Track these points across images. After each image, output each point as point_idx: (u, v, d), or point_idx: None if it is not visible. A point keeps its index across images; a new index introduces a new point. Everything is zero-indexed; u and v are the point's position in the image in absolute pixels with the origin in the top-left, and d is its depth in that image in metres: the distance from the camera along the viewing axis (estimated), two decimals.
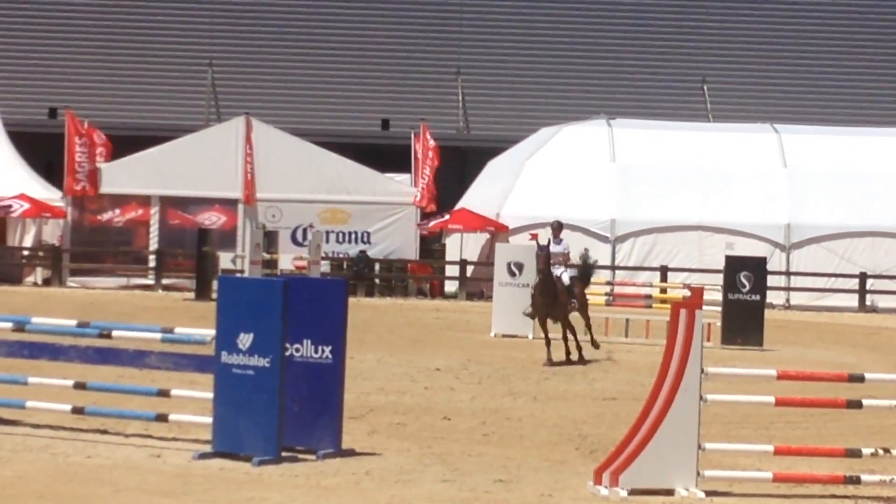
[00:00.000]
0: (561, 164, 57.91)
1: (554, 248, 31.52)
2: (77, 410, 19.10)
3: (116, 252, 57.51)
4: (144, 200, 56.75)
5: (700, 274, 51.91)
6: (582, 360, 31.26)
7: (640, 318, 37.71)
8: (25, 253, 57.08)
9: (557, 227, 32.47)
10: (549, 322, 31.39)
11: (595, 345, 32.38)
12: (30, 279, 55.48)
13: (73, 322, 19.79)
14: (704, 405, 15.91)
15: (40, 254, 56.92)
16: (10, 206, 55.44)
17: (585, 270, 35.04)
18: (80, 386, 19.28)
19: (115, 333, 19.14)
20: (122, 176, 56.88)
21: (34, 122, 66.76)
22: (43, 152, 60.55)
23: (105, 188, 56.82)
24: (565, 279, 31.64)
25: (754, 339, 36.42)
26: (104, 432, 18.92)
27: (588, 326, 32.62)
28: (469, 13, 75.16)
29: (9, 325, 19.68)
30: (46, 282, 55.24)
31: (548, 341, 30.88)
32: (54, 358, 19.81)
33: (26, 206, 55.54)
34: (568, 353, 31.41)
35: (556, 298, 31.16)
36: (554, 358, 30.76)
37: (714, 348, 33.91)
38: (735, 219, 55.97)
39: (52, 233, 57.15)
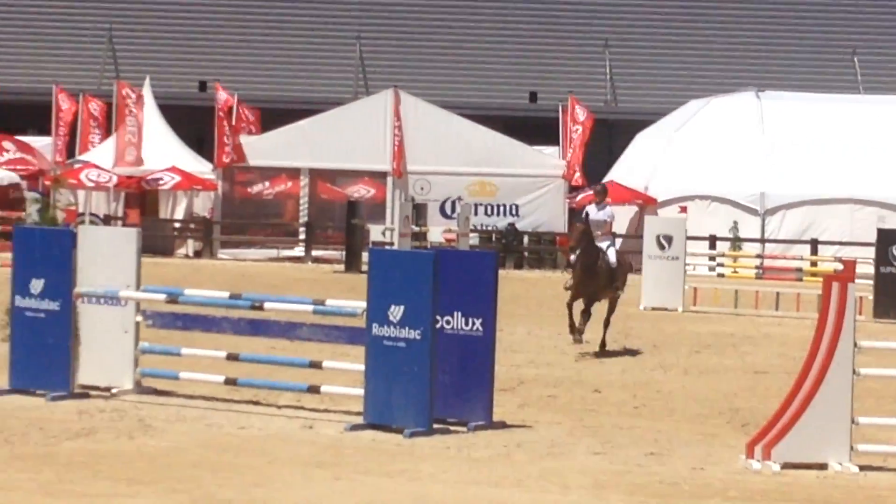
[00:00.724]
0: (710, 137, 57.55)
1: (595, 216, 27.32)
2: (230, 382, 19.26)
3: (266, 224, 57.90)
4: (294, 173, 57.01)
5: (851, 247, 51.34)
6: (601, 349, 26.67)
7: (790, 292, 37.40)
8: (177, 225, 57.65)
9: (601, 191, 28.68)
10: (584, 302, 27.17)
11: (603, 345, 26.70)
12: (181, 251, 55.98)
13: (226, 294, 19.97)
14: (858, 379, 15.77)
15: (191, 226, 57.47)
16: (161, 179, 55.97)
17: None
18: (232, 357, 19.42)
19: (266, 305, 19.27)
20: (272, 149, 57.18)
21: (185, 94, 67.35)
22: (194, 125, 61.08)
23: (255, 161, 57.14)
24: (611, 256, 27.06)
25: None
26: (257, 403, 19.07)
27: (608, 317, 27.50)
28: None
29: (162, 296, 19.85)
30: (197, 254, 55.74)
31: (571, 324, 26.56)
32: (207, 329, 20.00)
33: (177, 178, 56.03)
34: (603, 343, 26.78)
35: (597, 277, 26.66)
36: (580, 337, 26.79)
37: (866, 322, 33.50)
38: (887, 192, 55.23)
39: (203, 205, 57.65)
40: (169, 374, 19.65)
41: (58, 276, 19.31)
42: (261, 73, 71.26)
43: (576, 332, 26.48)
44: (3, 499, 13.28)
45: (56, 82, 61.17)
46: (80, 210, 52.26)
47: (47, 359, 19.26)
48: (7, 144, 59.55)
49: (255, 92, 65.05)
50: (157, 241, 52.80)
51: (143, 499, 13.50)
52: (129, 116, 56.96)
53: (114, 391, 19.29)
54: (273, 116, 59.98)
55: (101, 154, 56.73)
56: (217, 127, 57.00)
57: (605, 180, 55.76)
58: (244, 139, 57.62)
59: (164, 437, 16.85)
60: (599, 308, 27.68)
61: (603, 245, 27.01)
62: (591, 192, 55.96)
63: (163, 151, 56.89)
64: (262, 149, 57.37)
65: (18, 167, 58.33)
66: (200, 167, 57.50)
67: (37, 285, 19.45)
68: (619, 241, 33.19)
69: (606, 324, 27.08)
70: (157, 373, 19.80)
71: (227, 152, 56.70)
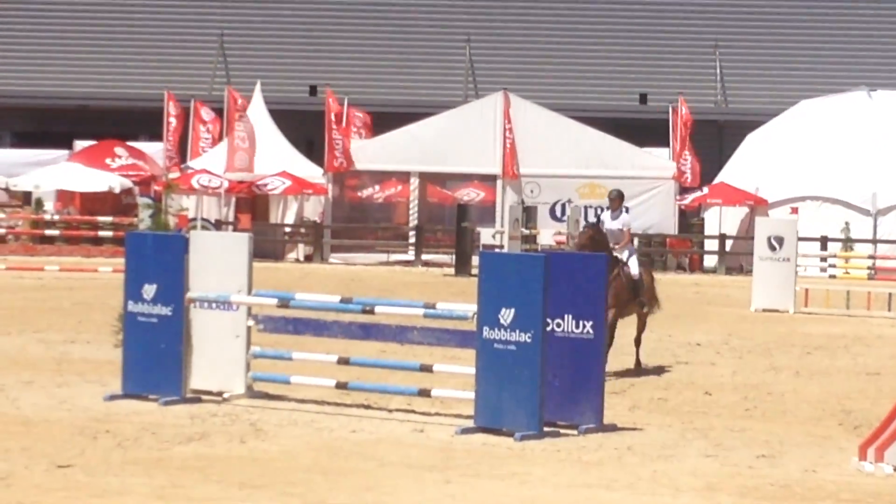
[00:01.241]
0: (821, 137, 57.23)
1: (610, 225, 24.79)
2: (341, 385, 19.34)
3: (376, 228, 58.07)
4: (403, 177, 57.17)
5: None
6: (637, 367, 24.21)
7: None
8: (287, 230, 57.90)
9: (616, 198, 25.43)
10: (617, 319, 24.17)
11: (638, 364, 24.24)
12: (291, 255, 56.24)
13: (336, 298, 20.02)
14: None
15: (302, 230, 57.71)
16: (271, 184, 56.23)
17: None
18: (343, 361, 19.51)
19: (377, 309, 19.32)
20: (382, 153, 57.38)
21: (296, 99, 67.61)
22: (304, 130, 61.34)
23: (364, 165, 57.38)
24: (633, 268, 24.30)
25: None
26: (368, 407, 19.12)
27: (638, 335, 24.78)
28: None
29: (273, 301, 19.95)
30: (308, 258, 55.97)
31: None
32: (318, 333, 20.09)
33: (288, 183, 56.29)
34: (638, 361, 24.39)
35: (617, 291, 23.05)
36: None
37: None
38: None
39: (314, 209, 57.87)
40: (280, 378, 19.75)
41: (170, 282, 19.46)
42: (371, 78, 71.41)
43: None
44: (118, 502, 13.39)
45: (167, 89, 61.57)
46: (192, 215, 52.56)
47: (159, 363, 19.41)
48: (119, 150, 60.07)
49: (365, 96, 65.23)
50: (267, 246, 53.03)
51: (254, 503, 13.58)
52: (240, 122, 57.25)
53: (225, 395, 19.42)
54: (383, 120, 60.17)
55: (212, 159, 57.01)
56: (327, 131, 57.28)
57: (715, 181, 55.89)
58: (354, 143, 57.85)
59: (276, 441, 16.94)
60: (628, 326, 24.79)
61: (623, 256, 24.28)
62: (706, 192, 56.11)
63: (273, 156, 57.13)
64: (371, 153, 57.58)
65: (130, 173, 58.80)
66: (311, 171, 57.73)
67: (149, 290, 19.61)
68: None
69: (637, 343, 24.51)
70: (268, 377, 19.91)
71: (337, 157, 56.94)
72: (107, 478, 14.58)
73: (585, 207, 55.24)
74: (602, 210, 55.16)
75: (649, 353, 26.11)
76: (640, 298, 24.21)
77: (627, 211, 26.65)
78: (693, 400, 20.82)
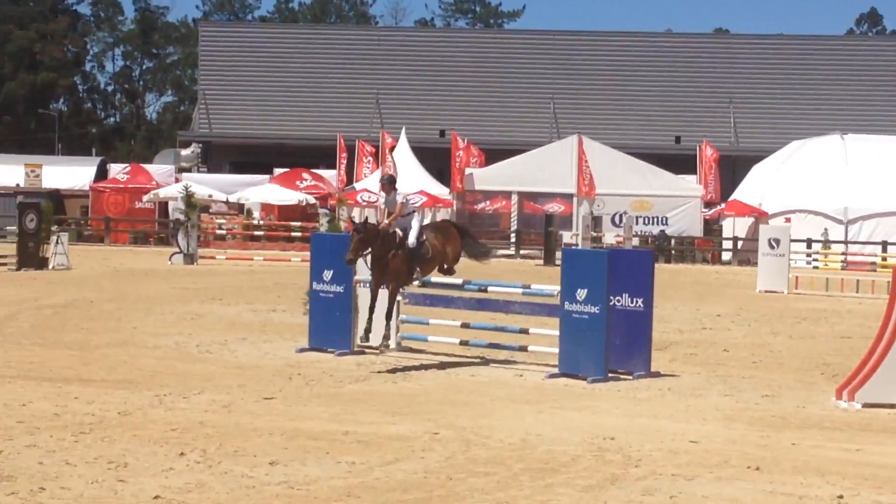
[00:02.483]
0: (807, 167, 56.76)
1: (385, 205, 18.97)
2: (463, 343, 19.37)
3: (487, 231, 58.02)
4: (506, 195, 57.23)
5: None
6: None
7: (867, 279, 36.62)
8: None
9: (386, 183, 19.15)
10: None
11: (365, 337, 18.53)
12: None
13: (460, 280, 20.03)
14: None
15: None
16: (412, 199, 56.43)
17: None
18: (465, 325, 19.53)
19: (489, 289, 19.36)
20: (491, 178, 57.53)
21: (429, 139, 67.76)
22: (436, 161, 61.43)
23: (479, 186, 57.58)
24: (410, 237, 18.51)
25: None
26: (482, 359, 19.14)
27: (390, 303, 18.68)
28: (739, 53, 74.20)
29: (414, 283, 20.00)
30: None
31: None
32: (447, 306, 20.13)
33: (424, 199, 56.45)
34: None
35: (398, 268, 18.37)
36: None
37: None
38: None
39: (442, 218, 57.91)
40: (420, 337, 19.82)
41: (342, 268, 19.43)
42: (483, 124, 71.55)
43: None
44: (308, 425, 13.48)
45: (339, 132, 61.93)
46: (357, 221, 52.71)
47: (335, 326, 19.51)
48: (305, 175, 60.42)
49: (479, 137, 65.24)
50: None
51: (403, 425, 13.62)
52: (389, 155, 57.44)
53: (382, 349, 19.49)
54: (491, 154, 60.22)
55: (371, 182, 57.29)
56: (452, 162, 57.46)
57: (729, 199, 55.53)
58: (471, 171, 57.94)
59: (417, 381, 16.99)
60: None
61: (413, 224, 18.65)
62: (723, 207, 55.56)
63: (414, 180, 57.32)
64: (484, 178, 57.71)
65: (313, 191, 59.11)
66: (440, 191, 57.88)
67: (328, 274, 19.72)
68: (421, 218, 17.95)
69: (388, 310, 18.58)
70: (411, 336, 19.98)
71: (459, 180, 57.08)
72: (298, 406, 14.68)
73: (636, 217, 55.17)
74: (650, 218, 55.18)
75: (685, 322, 25.97)
76: (415, 268, 18.50)
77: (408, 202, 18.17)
78: (715, 355, 20.66)
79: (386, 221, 18.56)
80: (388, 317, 18.49)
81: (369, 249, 18.20)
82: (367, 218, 25.62)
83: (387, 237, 18.33)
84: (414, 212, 18.72)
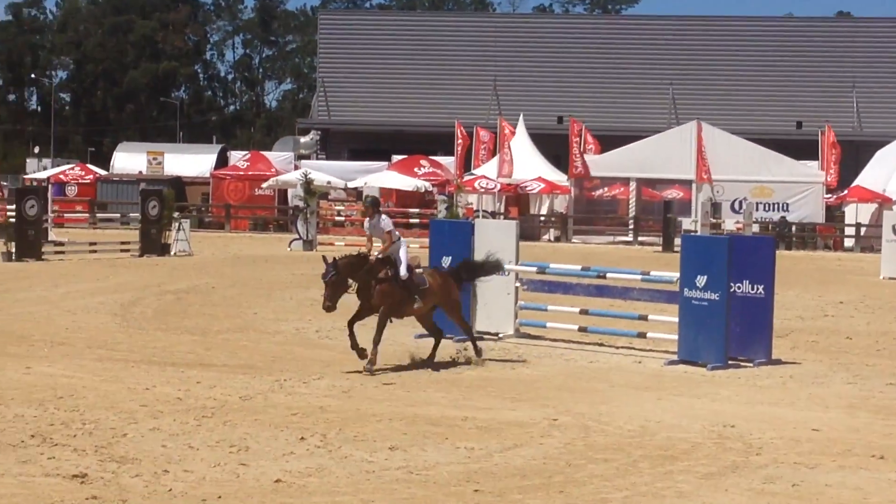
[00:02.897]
0: None
1: (371, 231, 17.14)
2: (581, 329, 19.32)
3: (605, 217, 57.75)
4: (625, 181, 56.88)
5: None
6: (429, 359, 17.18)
7: None
8: (542, 218, 57.90)
9: (370, 206, 17.23)
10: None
11: (361, 354, 16.37)
12: (545, 237, 56.24)
13: (578, 267, 20.00)
14: None
15: (552, 219, 57.67)
16: (530, 186, 56.48)
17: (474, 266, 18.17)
18: (583, 312, 19.46)
19: (608, 275, 19.31)
20: (609, 164, 57.25)
21: (547, 126, 67.56)
22: (553, 148, 61.25)
23: (597, 173, 57.34)
24: (402, 268, 16.80)
25: None
26: (601, 345, 19.08)
27: (379, 328, 16.63)
28: (862, 36, 73.07)
29: (533, 269, 20.04)
30: (557, 239, 55.92)
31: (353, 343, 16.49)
32: (565, 292, 20.08)
33: (542, 185, 56.49)
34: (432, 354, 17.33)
35: (391, 291, 16.70)
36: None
37: None
38: None
39: (561, 204, 57.85)
40: (538, 323, 19.80)
41: (461, 255, 19.55)
42: (601, 110, 71.19)
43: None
44: (427, 410, 13.54)
45: (457, 119, 61.95)
46: (475, 208, 52.83)
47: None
48: (423, 162, 60.57)
49: (596, 124, 64.93)
50: (527, 230, 52.99)
51: (522, 411, 13.63)
52: (507, 142, 57.41)
53: (500, 335, 19.52)
54: (609, 141, 59.91)
55: (488, 169, 57.35)
56: (570, 149, 57.26)
57: (852, 185, 54.72)
58: (588, 157, 57.72)
59: (535, 367, 16.99)
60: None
61: (401, 254, 16.97)
62: (846, 193, 54.79)
63: (532, 167, 57.32)
64: (601, 164, 57.46)
65: (431, 178, 59.25)
66: (558, 177, 57.77)
67: (446, 261, 19.75)
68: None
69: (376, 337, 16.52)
70: (530, 323, 19.97)
71: (577, 167, 56.90)
72: (418, 392, 14.75)
73: (757, 203, 54.53)
74: (770, 205, 54.61)
75: (807, 309, 25.61)
76: (414, 296, 16.87)
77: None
78: (837, 342, 20.38)
79: (378, 251, 16.88)
80: (375, 341, 16.34)
81: (350, 285, 16.54)
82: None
83: (374, 265, 16.73)
84: (400, 238, 17.11)
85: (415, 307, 16.99)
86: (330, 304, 16.28)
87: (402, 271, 16.80)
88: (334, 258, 16.63)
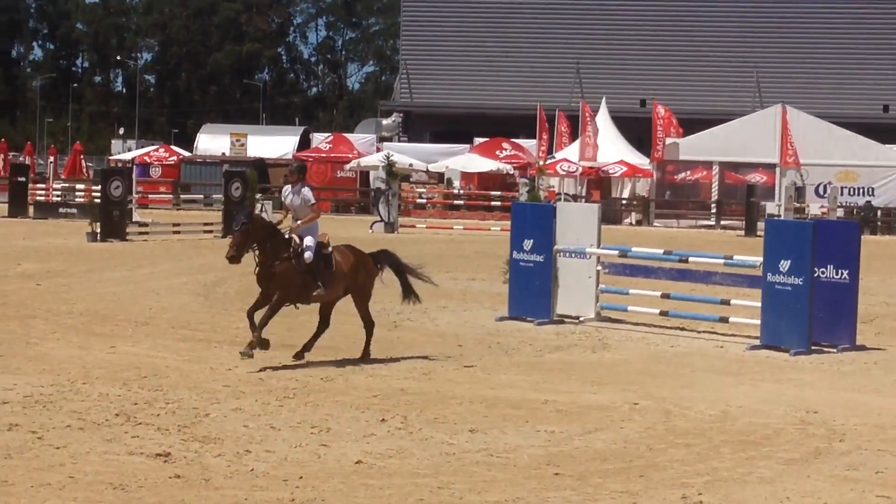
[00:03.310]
0: None
1: (289, 201, 15.46)
2: (663, 313, 19.22)
3: (687, 201, 57.42)
4: (707, 165, 56.54)
5: None
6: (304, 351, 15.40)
7: None
8: (623, 202, 57.67)
9: (295, 170, 15.61)
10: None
11: (251, 346, 14.76)
12: (627, 221, 56.01)
13: (660, 251, 19.89)
14: None
15: (634, 203, 57.42)
16: (612, 169, 56.27)
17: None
18: (665, 296, 19.37)
19: (690, 259, 19.22)
20: (692, 148, 56.93)
21: (629, 109, 67.23)
22: (635, 131, 60.94)
23: (679, 156, 57.07)
24: (307, 253, 15.04)
25: None
26: (682, 329, 18.98)
27: (269, 312, 15.00)
28: None
29: (615, 252, 19.96)
30: (638, 222, 55.69)
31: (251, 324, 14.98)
32: (647, 276, 20.02)
33: (624, 168, 56.27)
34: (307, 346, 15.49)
35: (290, 275, 14.97)
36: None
37: None
38: None
39: (643, 188, 57.61)
40: (620, 307, 19.73)
41: (543, 238, 19.63)
42: (684, 93, 70.71)
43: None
44: (507, 393, 13.55)
45: (539, 102, 61.83)
46: (557, 191, 52.74)
47: (534, 295, 19.57)
48: (505, 145, 60.55)
49: (680, 107, 64.44)
50: (609, 214, 52.80)
51: (603, 395, 13.59)
52: (589, 125, 57.20)
53: (581, 319, 19.47)
54: (692, 124, 59.51)
55: (570, 152, 57.16)
56: (653, 132, 56.98)
57: None
58: (671, 141, 57.39)
59: (616, 351, 16.94)
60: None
61: (306, 238, 15.15)
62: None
63: (613, 150, 57.09)
64: (685, 147, 57.16)
65: (512, 161, 59.20)
66: (640, 161, 57.52)
67: (528, 244, 19.80)
68: None
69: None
70: (611, 306, 19.89)
71: (659, 150, 56.65)
72: (498, 375, 14.75)
73: (841, 187, 54.01)
74: (855, 189, 54.00)
75: (892, 295, 25.29)
76: (317, 282, 15.11)
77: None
78: None
79: (295, 224, 15.26)
80: (260, 325, 14.74)
81: (256, 246, 14.85)
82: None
83: (279, 242, 15.04)
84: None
85: (314, 294, 15.19)
86: (234, 255, 14.71)
87: (308, 255, 15.04)
88: (250, 210, 15.49)
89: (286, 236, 15.14)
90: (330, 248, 15.38)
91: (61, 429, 11.26)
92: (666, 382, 14.43)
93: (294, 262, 14.93)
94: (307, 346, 15.34)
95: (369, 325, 15.78)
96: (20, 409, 12.07)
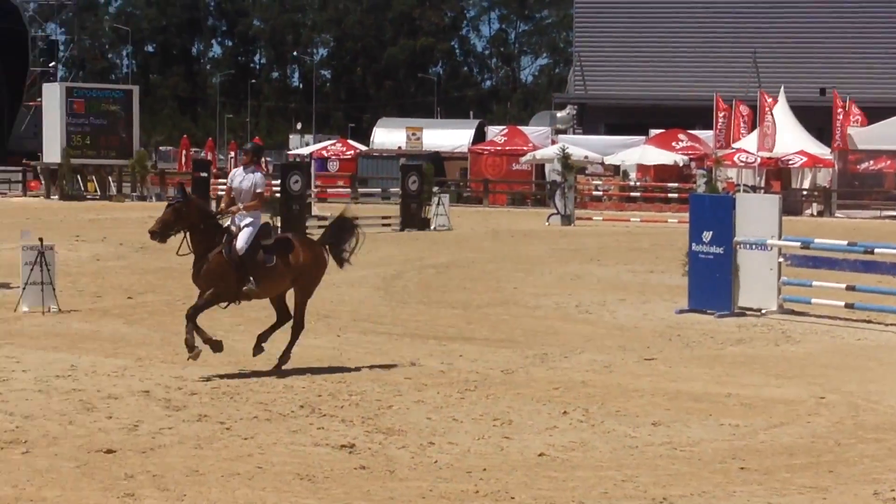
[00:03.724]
0: None
1: (237, 184, 14.05)
2: (849, 306, 18.86)
3: (871, 192, 56.22)
4: (891, 154, 55.32)
5: None
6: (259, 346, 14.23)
7: None
8: (804, 193, 56.73)
9: (251, 151, 14.55)
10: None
11: (188, 346, 13.57)
12: (808, 212, 55.08)
13: (844, 242, 19.53)
14: None
15: (815, 193, 56.45)
16: (792, 160, 55.41)
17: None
18: (850, 288, 18.97)
19: (876, 250, 18.81)
20: (875, 137, 55.72)
21: (809, 98, 66.04)
22: (815, 120, 59.86)
23: (861, 146, 55.93)
24: (239, 241, 13.70)
25: None
26: (869, 322, 18.59)
27: (198, 305, 13.80)
28: None
29: (797, 244, 19.64)
30: (820, 213, 54.73)
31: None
32: (830, 268, 19.63)
33: (804, 159, 55.31)
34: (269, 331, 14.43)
35: (220, 268, 13.64)
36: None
37: None
38: None
39: (823, 178, 56.62)
40: (803, 299, 19.41)
41: (722, 229, 19.43)
42: (867, 81, 69.24)
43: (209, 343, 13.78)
44: (689, 386, 13.42)
45: (716, 92, 61.15)
46: (736, 183, 52.12)
47: (714, 288, 19.39)
48: (681, 136, 59.97)
49: (861, 95, 63.11)
50: (789, 205, 51.85)
51: (787, 389, 13.40)
52: (767, 115, 56.39)
53: (763, 312, 19.22)
54: (876, 113, 58.22)
55: (748, 143, 56.44)
56: (833, 121, 56.01)
57: None
58: (852, 130, 56.31)
59: (800, 345, 16.68)
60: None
61: (243, 223, 13.88)
62: None
63: (793, 140, 56.17)
64: (866, 137, 55.99)
65: (689, 152, 58.62)
66: (820, 151, 56.52)
67: (707, 236, 19.61)
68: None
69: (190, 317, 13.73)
70: (794, 299, 19.59)
71: (840, 140, 55.66)
72: (679, 368, 14.65)
73: None
74: None
75: None
76: (248, 277, 13.72)
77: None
78: None
79: (235, 207, 13.99)
80: (191, 317, 13.60)
81: (183, 230, 13.57)
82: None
83: (212, 227, 13.77)
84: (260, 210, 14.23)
85: (244, 289, 13.76)
86: (157, 231, 13.40)
87: (240, 244, 13.70)
88: (183, 188, 14.12)
89: (224, 224, 13.88)
90: (272, 240, 13.98)
91: (248, 420, 11.49)
92: (853, 376, 14.16)
93: (224, 253, 13.61)
94: (263, 337, 14.17)
95: (298, 326, 14.26)
96: (209, 401, 12.35)
